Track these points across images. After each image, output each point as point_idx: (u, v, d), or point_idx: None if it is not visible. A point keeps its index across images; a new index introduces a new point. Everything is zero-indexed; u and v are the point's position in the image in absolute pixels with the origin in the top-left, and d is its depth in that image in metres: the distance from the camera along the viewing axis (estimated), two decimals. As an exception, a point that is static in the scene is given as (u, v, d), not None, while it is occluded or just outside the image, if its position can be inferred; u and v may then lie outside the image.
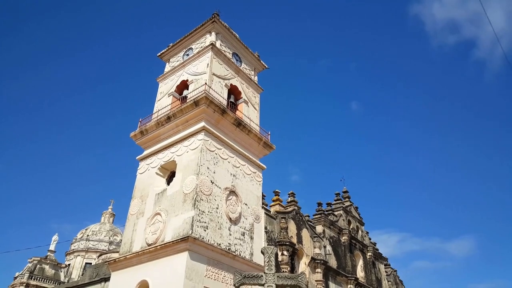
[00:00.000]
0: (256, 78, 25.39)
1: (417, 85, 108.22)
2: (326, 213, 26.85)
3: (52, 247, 44.85)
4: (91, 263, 49.29)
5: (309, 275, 22.06)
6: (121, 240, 54.63)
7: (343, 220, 28.50)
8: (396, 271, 34.76)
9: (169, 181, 19.38)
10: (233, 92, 22.96)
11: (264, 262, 8.07)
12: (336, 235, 26.80)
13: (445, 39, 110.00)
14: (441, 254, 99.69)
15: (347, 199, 30.84)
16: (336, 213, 28.18)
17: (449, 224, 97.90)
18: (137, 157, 21.27)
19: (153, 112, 22.37)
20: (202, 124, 18.75)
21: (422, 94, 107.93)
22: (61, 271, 43.85)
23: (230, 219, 17.84)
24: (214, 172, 18.18)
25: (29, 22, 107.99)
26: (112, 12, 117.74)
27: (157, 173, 19.56)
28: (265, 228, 20.14)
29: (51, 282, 40.71)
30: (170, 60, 24.98)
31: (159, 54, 25.62)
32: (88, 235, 51.81)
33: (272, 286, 7.70)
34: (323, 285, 22.48)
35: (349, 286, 25.10)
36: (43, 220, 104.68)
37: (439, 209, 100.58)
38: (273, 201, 23.22)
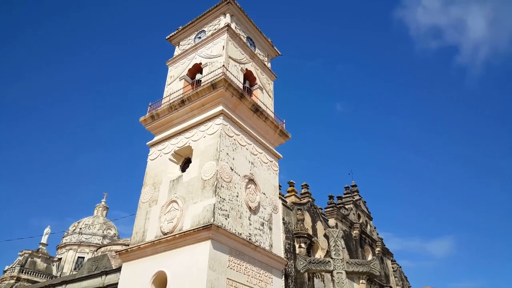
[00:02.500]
0: (269, 65, 24.41)
1: (404, 86, 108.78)
2: (337, 206, 26.05)
3: (44, 240, 43.09)
4: (83, 257, 47.74)
5: (325, 269, 21.22)
6: (115, 234, 53.39)
7: (353, 214, 27.79)
8: (401, 267, 34.24)
9: (183, 167, 18.33)
10: (248, 77, 21.99)
11: (330, 246, 7.13)
12: (348, 229, 26.04)
13: (428, 44, 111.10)
14: (422, 253, 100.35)
15: (356, 193, 30.14)
16: (347, 206, 27.43)
17: (430, 224, 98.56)
18: (147, 143, 20.11)
19: (163, 97, 21.25)
20: (220, 108, 17.70)
21: (407, 95, 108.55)
22: (53, 265, 42.17)
23: (250, 208, 16.85)
24: (233, 159, 17.16)
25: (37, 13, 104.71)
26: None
27: (170, 159, 18.45)
28: (283, 219, 19.20)
29: (43, 276, 39.03)
30: (180, 43, 23.82)
31: (168, 37, 24.43)
32: (80, 229, 50.16)
33: (341, 272, 6.79)
34: (338, 279, 21.68)
35: (361, 281, 24.35)
36: (33, 213, 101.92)
37: (421, 209, 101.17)
38: (288, 192, 22.30)
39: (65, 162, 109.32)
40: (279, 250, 17.85)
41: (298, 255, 7.05)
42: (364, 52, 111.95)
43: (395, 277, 31.23)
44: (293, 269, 18.41)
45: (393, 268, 31.82)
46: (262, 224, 17.39)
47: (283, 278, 17.21)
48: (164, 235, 15.45)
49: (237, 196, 16.43)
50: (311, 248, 20.78)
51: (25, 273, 37.95)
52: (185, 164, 18.43)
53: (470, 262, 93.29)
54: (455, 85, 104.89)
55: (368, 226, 29.76)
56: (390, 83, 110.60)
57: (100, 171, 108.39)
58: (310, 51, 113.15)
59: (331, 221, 24.54)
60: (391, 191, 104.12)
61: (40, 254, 40.79)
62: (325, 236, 7.35)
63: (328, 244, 7.18)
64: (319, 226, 22.53)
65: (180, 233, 14.73)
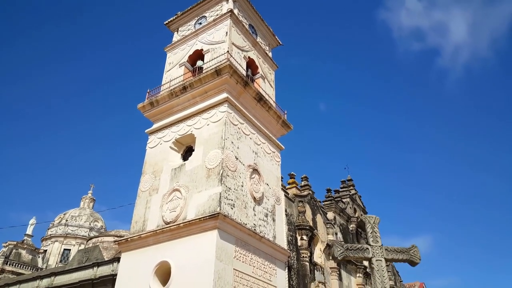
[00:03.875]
0: (270, 54, 23.93)
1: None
2: (335, 200, 25.89)
3: (29, 231, 41.76)
4: (69, 250, 46.63)
5: (324, 262, 21.02)
6: (102, 226, 52.26)
7: (350, 208, 27.70)
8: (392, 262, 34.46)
9: (184, 156, 17.76)
10: (250, 66, 21.45)
11: (367, 233, 6.77)
12: (345, 223, 25.94)
13: (410, 46, 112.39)
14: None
15: (352, 187, 30.04)
16: (344, 200, 27.31)
17: (408, 223, 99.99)
18: (146, 130, 19.44)
19: (162, 83, 20.56)
20: (224, 95, 17.15)
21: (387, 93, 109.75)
22: (39, 257, 40.95)
23: (254, 198, 16.43)
24: (238, 148, 16.68)
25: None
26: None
27: (171, 147, 17.84)
28: (285, 210, 18.85)
29: (28, 268, 37.84)
30: (179, 29, 23.10)
31: (166, 22, 23.68)
32: (67, 220, 48.92)
33: (381, 260, 6.45)
34: (338, 272, 21.52)
35: (358, 275, 24.31)
36: (15, 206, 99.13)
37: (400, 209, 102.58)
38: (289, 184, 21.96)
39: (50, 155, 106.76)
40: (282, 242, 17.50)
41: (334, 242, 6.71)
42: (349, 52, 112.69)
43: (388, 271, 31.33)
44: (295, 261, 18.12)
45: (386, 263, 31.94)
46: (266, 215, 17.00)
47: (286, 270, 16.89)
48: (167, 224, 14.91)
49: (242, 186, 15.98)
50: (311, 240, 20.52)
51: (9, 264, 36.72)
52: (187, 152, 17.87)
53: (446, 261, 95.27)
54: (436, 87, 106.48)
55: (364, 220, 29.77)
56: (375, 81, 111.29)
57: (86, 163, 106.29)
58: (295, 48, 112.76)
59: (330, 214, 24.36)
60: (378, 187, 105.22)
61: (25, 246, 39.56)
62: (362, 221, 6.94)
63: (365, 231, 6.81)
64: (319, 219, 22.30)
65: (185, 222, 14.21)
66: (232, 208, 14.75)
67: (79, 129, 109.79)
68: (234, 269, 13.63)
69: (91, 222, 50.14)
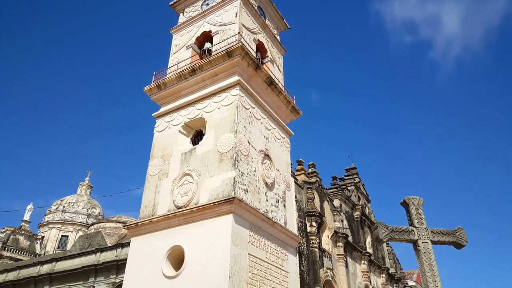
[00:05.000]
0: (279, 38, 23.39)
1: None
2: (341, 187, 25.73)
3: (26, 217, 41.21)
4: (67, 236, 46.28)
5: (332, 249, 20.91)
6: (99, 213, 51.82)
7: (355, 196, 27.58)
8: (392, 249, 34.59)
9: (193, 140, 17.36)
10: (259, 49, 20.91)
11: (411, 215, 6.49)
12: (350, 210, 25.83)
13: (403, 38, 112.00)
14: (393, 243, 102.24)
15: (356, 175, 29.89)
16: (349, 188, 27.17)
17: (403, 214, 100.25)
18: (153, 114, 18.94)
19: (169, 66, 19.99)
20: (236, 78, 16.68)
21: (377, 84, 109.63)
22: (37, 243, 40.51)
23: (266, 184, 16.13)
24: (250, 132, 16.29)
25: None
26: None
27: (180, 131, 17.39)
28: (295, 197, 18.60)
29: (26, 254, 37.42)
30: (185, 10, 22.42)
31: (172, 3, 22.96)
32: (64, 207, 48.40)
33: (427, 242, 6.17)
34: (344, 259, 21.44)
35: (362, 262, 24.30)
36: (13, 193, 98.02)
37: (392, 201, 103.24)
38: (297, 170, 21.68)
39: (47, 143, 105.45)
40: (293, 228, 17.28)
41: (379, 223, 6.40)
42: (342, 43, 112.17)
43: (390, 259, 31.50)
44: (305, 247, 17.95)
45: (387, 250, 32.06)
46: (277, 201, 16.74)
47: (297, 256, 16.71)
48: (178, 208, 14.57)
49: (255, 171, 15.65)
50: (320, 227, 20.36)
51: (7, 250, 36.26)
52: (196, 136, 17.48)
53: (439, 253, 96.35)
54: (427, 80, 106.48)
55: (367, 209, 29.69)
56: (367, 73, 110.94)
57: (82, 151, 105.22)
58: (288, 39, 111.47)
59: (336, 202, 24.19)
60: (373, 177, 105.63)
61: (23, 232, 39.05)
62: (405, 202, 6.65)
63: (409, 213, 6.53)
64: (326, 206, 22.12)
65: (198, 206, 13.88)
66: (245, 193, 14.44)
67: (76, 118, 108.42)
68: (249, 254, 13.40)
69: (89, 208, 49.69)
